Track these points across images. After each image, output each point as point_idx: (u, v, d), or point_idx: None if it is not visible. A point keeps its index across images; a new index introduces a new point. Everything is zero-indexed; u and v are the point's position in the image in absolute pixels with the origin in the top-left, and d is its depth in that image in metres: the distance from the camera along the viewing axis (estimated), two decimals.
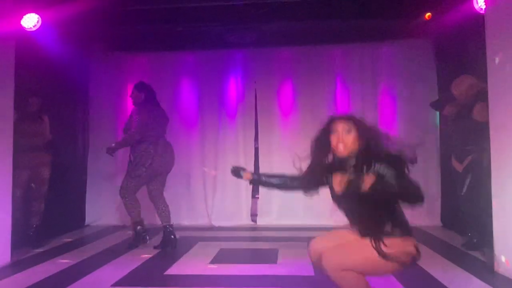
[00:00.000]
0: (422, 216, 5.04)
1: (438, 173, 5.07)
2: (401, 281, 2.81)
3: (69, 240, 4.44)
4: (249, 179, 2.40)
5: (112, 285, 2.85)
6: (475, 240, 3.71)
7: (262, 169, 5.39)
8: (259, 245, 4.37)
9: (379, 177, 1.83)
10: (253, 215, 5.40)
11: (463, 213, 3.87)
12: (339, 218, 5.64)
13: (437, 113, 5.06)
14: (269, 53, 5.42)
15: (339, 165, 2.03)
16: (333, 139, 1.99)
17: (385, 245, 1.89)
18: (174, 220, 5.28)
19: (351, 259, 1.93)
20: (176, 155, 5.37)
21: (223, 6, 4.16)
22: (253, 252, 4.08)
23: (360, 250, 1.95)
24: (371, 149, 1.94)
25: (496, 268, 3.03)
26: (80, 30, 4.49)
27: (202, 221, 5.29)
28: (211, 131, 5.42)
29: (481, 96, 3.38)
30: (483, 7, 3.34)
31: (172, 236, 3.92)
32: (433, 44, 5.13)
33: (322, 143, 2.06)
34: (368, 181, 1.81)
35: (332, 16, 4.45)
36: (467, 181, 3.68)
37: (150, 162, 3.90)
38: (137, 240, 4.01)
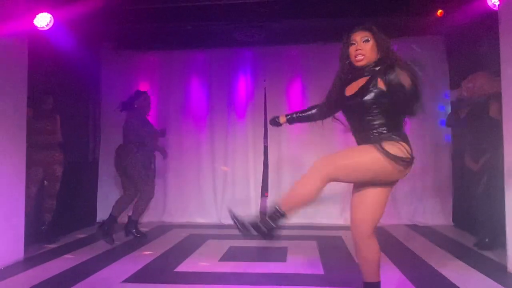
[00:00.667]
0: (433, 215, 5.01)
1: (450, 172, 5.02)
2: (413, 282, 2.78)
3: (81, 237, 4.49)
4: (285, 121, 2.67)
5: (122, 282, 2.88)
6: (487, 240, 3.66)
7: (271, 168, 5.40)
8: (268, 243, 4.36)
9: (391, 84, 1.89)
10: (263, 213, 5.40)
11: (476, 212, 3.81)
12: (349, 217, 5.62)
13: (449, 111, 5.00)
14: (278, 51, 5.41)
15: (357, 74, 2.06)
16: (352, 50, 2.05)
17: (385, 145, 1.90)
18: (184, 218, 5.35)
19: (345, 159, 1.95)
20: (186, 153, 5.45)
21: (232, 4, 4.16)
22: (262, 250, 4.08)
23: (357, 152, 1.98)
24: (388, 57, 1.99)
25: (509, 268, 2.99)
26: (91, 29, 4.53)
27: (211, 219, 5.31)
28: (220, 129, 5.44)
29: (495, 93, 3.33)
30: (497, 3, 3.29)
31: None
32: (445, 41, 5.06)
33: (342, 57, 2.12)
34: (381, 85, 1.91)
35: (342, 13, 4.41)
36: (483, 181, 3.62)
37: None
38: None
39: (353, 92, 2.04)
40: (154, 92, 5.48)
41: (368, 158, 1.92)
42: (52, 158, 4.10)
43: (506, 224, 3.01)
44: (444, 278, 2.89)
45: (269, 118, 5.38)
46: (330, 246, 3.98)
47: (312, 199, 1.93)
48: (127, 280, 2.92)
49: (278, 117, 2.68)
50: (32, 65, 3.59)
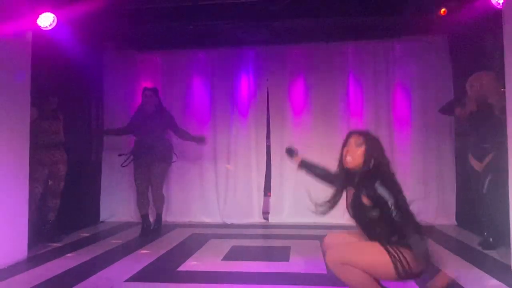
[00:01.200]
0: (437, 215, 4.99)
1: (453, 172, 4.99)
2: (416, 281, 2.77)
3: (84, 236, 4.51)
4: (299, 162, 2.68)
5: (125, 281, 2.89)
6: (491, 240, 3.64)
7: (274, 167, 5.39)
8: (271, 242, 4.37)
9: (378, 198, 1.93)
10: (265, 213, 5.40)
11: (480, 212, 3.79)
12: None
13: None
14: (281, 50, 5.40)
15: (349, 177, 2.13)
16: (344, 151, 2.14)
17: (396, 249, 1.92)
18: (187, 217, 5.35)
19: (353, 255, 1.98)
20: (188, 153, 5.45)
21: (234, 4, 4.16)
22: (265, 249, 4.08)
23: (365, 249, 2.01)
24: (376, 168, 2.03)
25: None
26: (94, 29, 4.54)
27: (214, 219, 5.31)
28: (223, 129, 5.43)
29: (501, 93, 3.31)
30: (501, 2, 3.26)
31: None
32: (448, 40, 5.04)
33: (340, 155, 2.19)
34: (365, 200, 1.96)
35: (344, 12, 4.40)
36: (487, 181, 3.61)
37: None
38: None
39: (349, 199, 2.13)
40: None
41: (381, 260, 1.94)
42: (56, 158, 4.12)
43: (510, 223, 2.99)
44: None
45: (271, 117, 5.43)
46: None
47: (368, 278, 1.96)
48: (130, 279, 2.93)
49: (296, 152, 2.74)
50: (35, 64, 3.60)
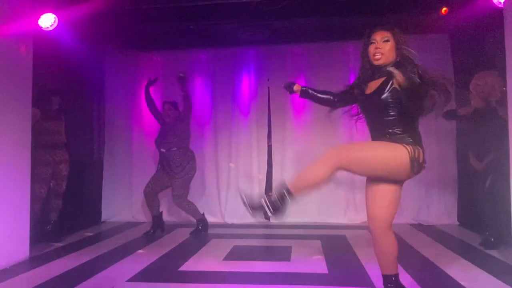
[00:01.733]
0: (438, 214, 4.98)
1: (455, 171, 4.99)
2: (418, 281, 2.77)
3: (86, 236, 4.52)
4: (299, 90, 2.60)
5: (127, 281, 2.89)
6: (492, 239, 3.64)
7: (275, 167, 5.39)
8: (272, 242, 4.37)
9: (411, 81, 1.88)
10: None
11: (482, 212, 3.79)
12: (353, 217, 5.62)
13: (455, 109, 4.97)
14: (282, 50, 5.40)
15: (376, 72, 2.12)
16: (371, 48, 2.12)
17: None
18: (188, 217, 5.35)
19: (357, 149, 2.08)
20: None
21: (235, 4, 4.16)
22: (266, 249, 4.08)
23: (371, 146, 2.06)
24: (406, 60, 2.03)
25: None
26: (95, 29, 4.54)
27: (215, 218, 5.32)
28: (224, 129, 5.44)
29: (504, 92, 3.30)
30: (502, 1, 3.26)
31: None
32: (450, 39, 5.03)
33: (363, 54, 2.20)
34: (397, 82, 1.90)
35: (345, 12, 4.40)
36: (488, 180, 3.60)
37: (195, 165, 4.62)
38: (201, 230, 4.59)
39: (371, 90, 2.11)
40: (158, 92, 5.50)
41: (387, 154, 1.97)
42: (59, 158, 4.13)
43: (511, 223, 2.99)
44: (449, 277, 2.87)
45: (272, 117, 5.43)
46: (334, 245, 3.97)
47: (319, 184, 1.99)
48: (131, 279, 2.93)
49: (294, 83, 2.66)
50: (36, 65, 3.61)
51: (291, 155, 5.32)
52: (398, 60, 2.07)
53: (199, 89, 5.55)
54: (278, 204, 1.98)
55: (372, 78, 2.13)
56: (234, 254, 3.67)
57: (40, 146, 3.91)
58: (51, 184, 4.12)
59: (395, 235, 2.19)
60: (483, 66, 3.88)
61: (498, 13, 3.28)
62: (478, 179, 3.74)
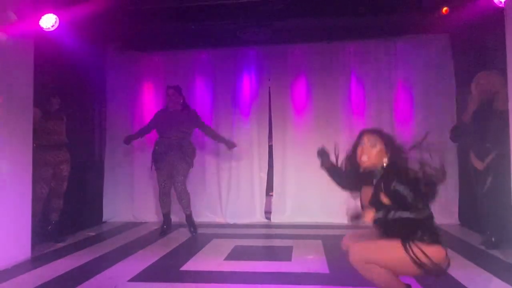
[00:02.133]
0: (439, 214, 4.94)
1: (456, 170, 4.98)
2: (418, 281, 2.77)
3: (87, 236, 4.52)
4: (328, 166, 2.40)
5: (128, 281, 2.90)
6: (494, 239, 3.64)
7: (276, 167, 5.40)
8: (273, 242, 4.37)
9: (397, 195, 1.89)
10: (267, 213, 5.41)
11: (482, 211, 3.78)
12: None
13: (455, 109, 4.97)
14: (283, 50, 5.40)
15: (366, 177, 2.12)
16: (359, 151, 2.13)
17: (416, 247, 1.93)
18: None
19: (376, 254, 1.99)
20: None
21: (236, 4, 4.16)
22: (267, 249, 4.08)
23: (386, 248, 2.00)
24: (394, 165, 2.02)
25: None
26: (96, 30, 4.56)
27: (216, 218, 5.32)
28: (225, 129, 5.43)
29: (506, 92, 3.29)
30: (503, 0, 3.26)
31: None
32: (451, 39, 5.03)
33: (352, 155, 2.18)
34: (384, 199, 1.94)
35: (346, 12, 4.40)
36: (489, 180, 3.59)
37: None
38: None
39: (367, 200, 2.11)
40: (159, 92, 5.51)
41: (397, 256, 1.95)
42: (60, 158, 4.13)
43: None
44: (450, 277, 2.87)
45: (273, 117, 5.43)
46: (336, 245, 3.95)
47: (391, 277, 1.99)
48: (133, 279, 2.93)
49: (328, 154, 2.43)
50: (38, 65, 3.61)
51: (291, 155, 5.32)
52: (384, 166, 2.05)
53: (200, 89, 5.56)
54: None
55: (365, 180, 2.15)
56: (235, 254, 3.67)
57: (41, 146, 3.91)
58: (52, 184, 4.13)
59: None
60: (484, 66, 3.87)
61: (499, 13, 3.28)
62: (479, 179, 3.73)
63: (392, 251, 1.97)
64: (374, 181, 2.07)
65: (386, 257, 1.97)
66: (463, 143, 4.24)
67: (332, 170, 2.37)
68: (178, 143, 4.41)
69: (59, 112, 4.20)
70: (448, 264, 2.02)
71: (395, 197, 1.90)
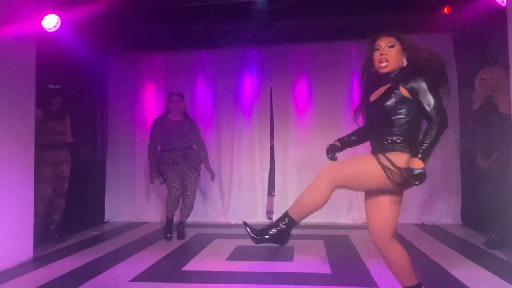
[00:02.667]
0: (441, 214, 4.97)
1: (458, 170, 4.97)
2: (421, 281, 2.75)
3: (89, 236, 4.53)
4: (340, 148, 2.33)
5: (130, 281, 2.90)
6: (497, 239, 3.62)
7: (278, 167, 5.39)
8: (278, 246, 4.36)
9: (413, 92, 1.87)
10: (269, 213, 5.40)
11: (485, 211, 3.76)
12: (356, 216, 5.59)
13: (458, 108, 4.95)
14: (284, 50, 5.40)
15: (382, 80, 2.04)
16: (376, 55, 2.03)
17: (387, 158, 1.89)
18: (191, 217, 5.35)
19: (346, 166, 1.97)
20: None
21: (238, 4, 4.16)
22: (269, 249, 4.07)
23: (358, 161, 2.01)
24: (413, 64, 1.97)
25: None
26: (98, 31, 4.56)
27: (218, 218, 5.32)
28: (226, 129, 5.44)
29: (504, 89, 3.27)
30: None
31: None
32: (453, 38, 5.01)
33: (366, 62, 2.12)
34: (404, 92, 1.89)
35: (347, 12, 4.39)
36: (492, 178, 3.57)
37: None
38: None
39: (375, 98, 2.03)
40: (160, 93, 5.52)
41: (370, 167, 1.92)
42: (61, 158, 4.14)
43: None
44: (453, 277, 2.86)
45: (275, 117, 5.43)
46: (337, 245, 3.97)
47: (321, 205, 1.97)
48: (134, 279, 2.94)
49: (335, 147, 2.33)
50: (39, 66, 3.62)
51: (293, 155, 5.32)
52: (405, 65, 2.01)
53: (202, 89, 5.56)
54: (282, 234, 2.00)
55: (377, 86, 2.06)
56: (237, 254, 3.67)
57: (42, 146, 3.92)
58: (54, 184, 4.13)
59: (398, 235, 2.17)
60: (486, 65, 3.85)
61: (501, 12, 3.27)
62: (483, 178, 3.71)
63: (364, 163, 1.95)
64: (393, 76, 2.00)
65: (359, 170, 1.95)
66: (468, 143, 4.22)
67: (346, 142, 2.32)
68: (184, 153, 4.29)
69: (60, 112, 4.20)
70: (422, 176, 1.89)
71: (417, 93, 1.86)
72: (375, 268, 3.09)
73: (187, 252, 3.76)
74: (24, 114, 3.48)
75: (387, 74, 2.02)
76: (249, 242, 4.20)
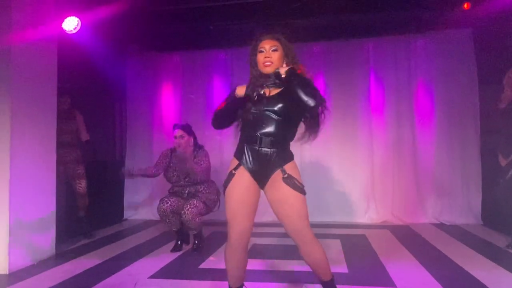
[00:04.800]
0: (461, 213, 4.88)
1: (479, 169, 4.87)
2: (440, 282, 2.73)
3: (109, 234, 4.62)
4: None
5: (149, 277, 2.95)
6: None
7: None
8: (291, 241, 4.34)
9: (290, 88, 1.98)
10: None
11: (501, 210, 3.69)
12: (374, 216, 5.52)
13: (478, 106, 4.85)
14: (300, 48, 5.27)
15: (263, 81, 2.10)
16: (260, 57, 2.12)
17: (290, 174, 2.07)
18: (207, 216, 5.40)
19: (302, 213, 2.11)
20: (210, 152, 5.46)
21: (253, 2, 4.17)
22: (285, 247, 4.08)
23: (295, 202, 2.10)
24: (292, 66, 2.10)
25: None
26: (116, 32, 4.64)
27: None
28: None
29: None
30: None
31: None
32: (473, 35, 4.90)
33: (252, 62, 2.18)
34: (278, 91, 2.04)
35: (364, 8, 4.35)
36: (508, 176, 3.49)
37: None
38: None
39: (257, 98, 2.05)
40: (177, 92, 5.58)
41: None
42: (70, 157, 4.14)
43: None
44: (474, 279, 2.81)
45: None
46: (354, 244, 3.94)
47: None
48: (153, 276, 2.99)
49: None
50: (60, 67, 3.71)
51: (309, 154, 5.29)
52: (286, 64, 2.13)
53: (218, 88, 5.59)
54: None
55: (263, 85, 2.09)
56: (253, 253, 3.68)
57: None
58: (72, 184, 4.19)
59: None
60: (507, 60, 3.76)
61: None
62: (500, 175, 3.63)
63: (296, 198, 2.08)
64: (270, 82, 2.09)
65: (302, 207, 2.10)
66: (492, 141, 4.11)
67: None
68: (193, 189, 3.79)
69: (70, 111, 4.20)
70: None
71: (293, 71, 2.01)
72: (393, 267, 3.07)
73: (204, 250, 3.80)
74: (47, 114, 3.58)
75: (268, 75, 2.09)
76: (265, 241, 4.24)
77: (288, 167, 2.08)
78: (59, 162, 3.99)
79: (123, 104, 5.73)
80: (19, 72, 3.26)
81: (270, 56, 2.08)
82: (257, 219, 5.68)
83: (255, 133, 2.05)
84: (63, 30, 3.83)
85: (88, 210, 4.33)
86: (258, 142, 2.04)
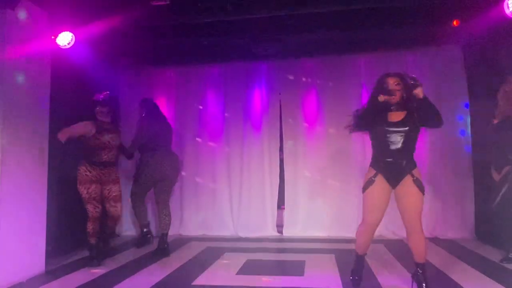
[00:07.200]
0: (454, 228, 4.88)
1: (471, 183, 4.90)
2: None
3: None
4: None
5: None
6: (510, 255, 3.54)
7: (288, 180, 5.38)
8: (285, 256, 4.33)
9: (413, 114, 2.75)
10: (279, 226, 5.37)
11: (495, 224, 3.70)
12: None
13: (469, 122, 4.91)
14: (293, 63, 5.44)
15: (389, 108, 2.77)
16: (390, 87, 2.75)
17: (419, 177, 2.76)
18: (201, 231, 5.36)
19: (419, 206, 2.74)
20: (202, 167, 5.48)
21: (247, 19, 4.22)
22: (279, 263, 4.05)
23: (415, 197, 2.71)
24: (410, 95, 2.71)
25: None
26: (110, 46, 4.66)
27: (228, 232, 5.30)
28: (236, 142, 5.46)
29: None
30: None
31: (166, 245, 4.19)
32: (462, 51, 5.00)
33: (378, 90, 2.77)
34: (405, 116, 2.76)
35: (357, 26, 4.42)
36: (503, 191, 3.52)
37: (147, 169, 4.33)
38: (143, 241, 4.66)
39: (393, 120, 2.75)
40: (171, 106, 5.58)
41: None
42: (109, 178, 3.96)
43: None
44: None
45: (284, 131, 5.45)
46: (349, 260, 3.90)
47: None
48: None
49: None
50: (53, 81, 3.70)
51: (303, 168, 5.31)
52: (405, 97, 2.75)
53: (211, 103, 5.61)
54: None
55: (386, 111, 2.77)
56: (248, 268, 3.65)
57: (90, 163, 3.85)
58: (106, 205, 3.94)
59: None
60: (497, 77, 3.83)
61: (510, 23, 3.26)
62: (492, 191, 3.65)
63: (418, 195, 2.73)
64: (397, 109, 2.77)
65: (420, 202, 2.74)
66: (484, 156, 4.15)
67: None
68: (166, 158, 4.43)
69: (112, 124, 4.07)
70: None
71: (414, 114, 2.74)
72: (387, 282, 3.05)
73: (197, 266, 3.75)
74: (38, 129, 3.55)
75: (394, 104, 2.77)
76: (259, 256, 4.19)
77: (415, 172, 2.72)
78: (95, 181, 3.82)
79: (116, 118, 5.69)
80: (12, 87, 3.24)
81: (397, 88, 2.78)
82: (252, 234, 5.64)
83: (389, 148, 2.74)
84: (57, 45, 3.84)
85: (74, 228, 4.23)
86: (391, 155, 2.73)
